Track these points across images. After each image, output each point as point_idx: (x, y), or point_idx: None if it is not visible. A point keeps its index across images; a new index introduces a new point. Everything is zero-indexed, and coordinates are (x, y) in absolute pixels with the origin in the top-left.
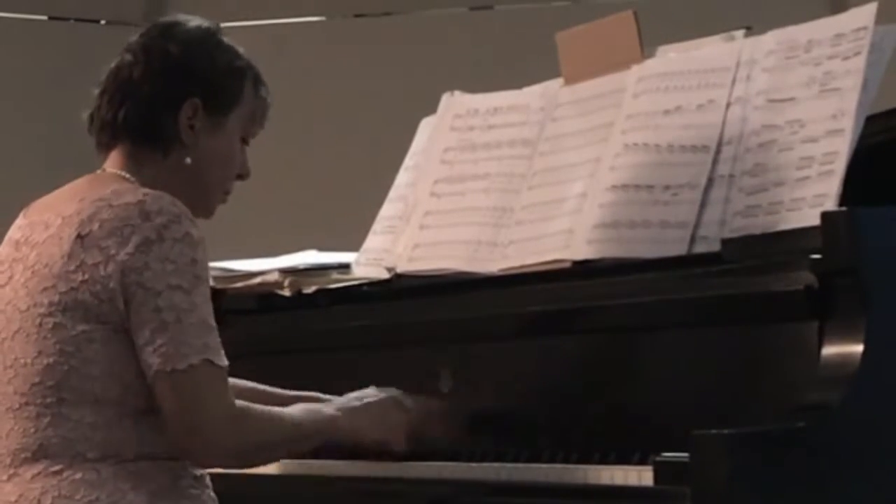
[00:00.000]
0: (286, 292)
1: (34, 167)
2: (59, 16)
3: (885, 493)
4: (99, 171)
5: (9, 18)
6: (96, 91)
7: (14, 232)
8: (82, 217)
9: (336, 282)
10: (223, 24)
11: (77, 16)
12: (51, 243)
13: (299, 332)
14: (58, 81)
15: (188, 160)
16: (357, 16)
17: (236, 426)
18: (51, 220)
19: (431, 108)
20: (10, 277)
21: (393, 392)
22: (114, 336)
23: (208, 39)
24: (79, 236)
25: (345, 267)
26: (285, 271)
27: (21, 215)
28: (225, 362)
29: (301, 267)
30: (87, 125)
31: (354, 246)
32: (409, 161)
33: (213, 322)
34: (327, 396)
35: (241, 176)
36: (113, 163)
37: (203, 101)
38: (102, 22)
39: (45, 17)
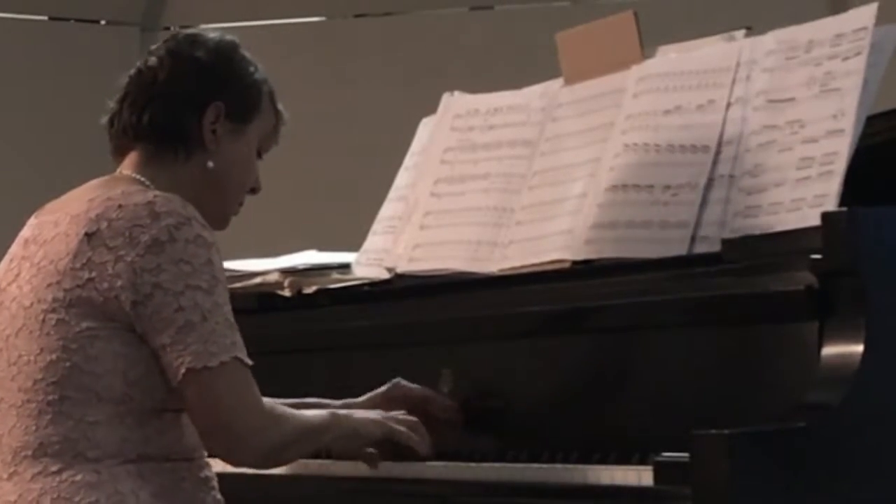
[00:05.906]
0: (286, 292)
1: (34, 167)
2: (59, 16)
3: (885, 492)
4: (114, 174)
5: (9, 18)
6: (115, 97)
7: (25, 231)
8: (90, 216)
9: (336, 282)
10: (223, 25)
11: (77, 16)
12: (58, 241)
13: (299, 332)
14: (58, 81)
15: (210, 164)
16: (357, 16)
17: (270, 423)
18: (60, 218)
19: (431, 108)
20: (17, 275)
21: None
22: (118, 334)
23: (233, 50)
24: (86, 234)
25: (345, 267)
26: (285, 271)
27: (34, 216)
28: (250, 361)
29: (301, 267)
30: (107, 129)
31: (354, 246)
32: (409, 161)
33: (234, 322)
34: (331, 401)
35: (254, 189)
36: (128, 165)
37: (226, 107)
38: (102, 22)
39: (45, 18)
